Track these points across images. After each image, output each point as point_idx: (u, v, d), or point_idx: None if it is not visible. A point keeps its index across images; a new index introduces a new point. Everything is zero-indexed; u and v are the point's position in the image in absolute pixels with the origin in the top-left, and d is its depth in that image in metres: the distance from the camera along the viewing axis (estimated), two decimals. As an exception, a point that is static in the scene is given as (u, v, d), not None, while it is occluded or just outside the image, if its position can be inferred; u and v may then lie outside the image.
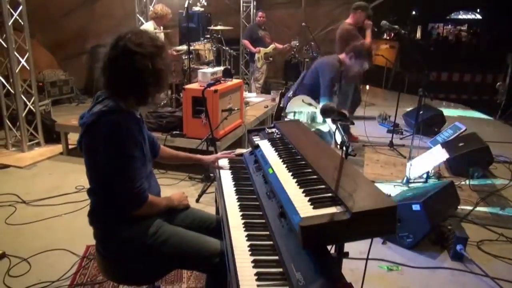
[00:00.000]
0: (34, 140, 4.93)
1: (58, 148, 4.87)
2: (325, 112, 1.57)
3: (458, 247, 2.75)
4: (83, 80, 8.11)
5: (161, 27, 5.52)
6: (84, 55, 7.99)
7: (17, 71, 4.57)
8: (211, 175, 3.93)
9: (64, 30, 7.08)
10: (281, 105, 5.58)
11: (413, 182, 3.94)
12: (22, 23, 4.58)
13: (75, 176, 4.08)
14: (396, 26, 4.65)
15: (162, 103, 5.31)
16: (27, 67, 4.71)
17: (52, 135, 5.03)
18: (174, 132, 4.23)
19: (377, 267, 2.71)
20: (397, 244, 2.95)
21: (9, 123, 4.81)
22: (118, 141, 1.54)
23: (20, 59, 4.62)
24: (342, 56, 3.91)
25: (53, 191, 3.76)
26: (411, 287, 2.56)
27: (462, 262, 2.76)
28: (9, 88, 4.69)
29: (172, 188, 3.85)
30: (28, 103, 4.78)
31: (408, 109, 6.20)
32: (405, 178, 3.94)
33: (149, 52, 1.57)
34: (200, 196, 3.63)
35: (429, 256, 2.85)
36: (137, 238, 1.66)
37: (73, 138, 4.97)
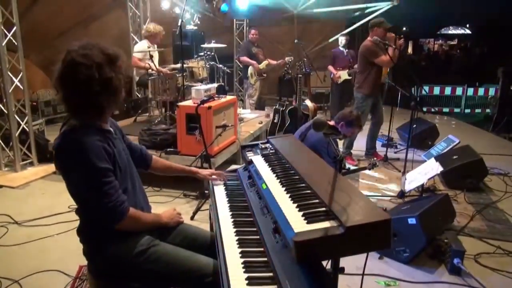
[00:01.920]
0: (27, 159, 4.90)
1: (51, 167, 4.83)
2: (316, 126, 1.57)
3: (455, 260, 2.73)
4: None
5: (155, 46, 5.56)
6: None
7: (10, 91, 4.56)
8: (206, 191, 3.91)
9: (58, 50, 7.03)
10: (275, 121, 5.61)
11: (408, 196, 3.94)
12: (16, 43, 4.59)
13: (68, 195, 3.98)
14: (388, 42, 4.70)
15: (156, 121, 5.31)
16: (21, 87, 4.70)
17: (45, 154, 5.00)
18: (169, 149, 4.21)
19: (374, 282, 2.68)
20: (394, 259, 2.92)
21: (2, 143, 4.79)
22: (83, 157, 1.52)
23: (14, 79, 4.62)
24: (332, 122, 3.75)
25: (46, 211, 3.71)
26: (409, 302, 2.54)
27: (460, 276, 2.73)
28: (2, 108, 4.67)
29: (166, 205, 3.81)
30: (21, 122, 4.76)
31: (402, 123, 6.24)
32: (400, 192, 3.94)
33: (95, 62, 1.53)
34: (194, 213, 3.60)
35: (426, 270, 2.82)
36: (125, 256, 1.64)
37: (67, 157, 4.94)
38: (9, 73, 4.56)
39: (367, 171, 4.44)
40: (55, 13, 6.50)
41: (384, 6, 8.17)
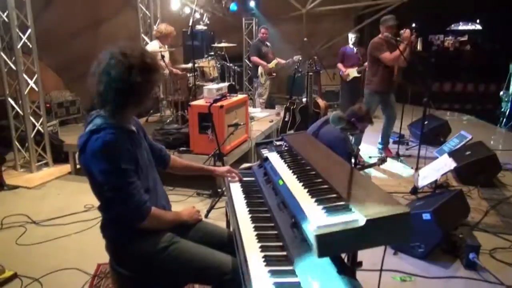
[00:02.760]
0: (42, 160, 4.97)
1: (66, 168, 4.91)
2: (335, 121, 1.58)
3: (471, 255, 2.73)
4: (90, 100, 8.18)
5: (166, 46, 5.60)
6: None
7: (26, 92, 4.64)
8: (219, 190, 3.94)
9: (70, 52, 7.20)
10: (286, 119, 5.62)
11: (421, 192, 3.93)
12: (30, 46, 4.67)
13: (84, 195, 4.09)
14: (399, 38, 4.70)
15: (168, 120, 5.36)
16: (36, 88, 4.78)
17: (60, 155, 5.07)
18: (181, 149, 4.26)
19: (390, 278, 2.69)
20: (409, 255, 2.93)
21: (17, 144, 4.87)
22: (107, 156, 1.56)
23: (29, 81, 4.69)
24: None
25: (63, 210, 3.78)
26: (425, 298, 2.54)
27: (475, 271, 2.73)
28: (18, 109, 4.76)
29: (180, 204, 3.85)
30: (36, 124, 4.84)
31: (413, 120, 6.21)
32: (413, 188, 3.93)
33: (129, 62, 1.57)
34: (208, 211, 3.63)
35: (442, 265, 2.83)
36: (147, 252, 1.67)
37: (81, 157, 5.01)
38: (24, 75, 4.63)
39: (379, 167, 4.45)
40: (67, 16, 6.58)
41: (394, 3, 8.13)
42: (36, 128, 4.85)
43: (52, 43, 6.54)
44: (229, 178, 2.22)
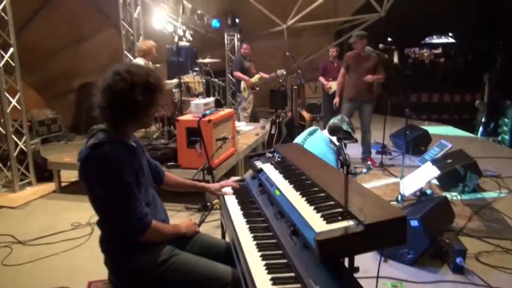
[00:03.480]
0: (25, 179, 4.87)
1: (50, 186, 4.83)
2: (332, 131, 1.64)
3: (458, 259, 2.81)
4: (71, 118, 8.13)
5: (150, 63, 5.61)
6: (71, 94, 8.04)
7: (8, 111, 4.57)
8: (208, 204, 3.94)
9: (51, 70, 7.14)
10: (272, 132, 5.69)
11: (406, 200, 4.02)
12: (13, 65, 4.62)
13: (70, 213, 4.04)
14: (379, 52, 4.87)
15: (155, 136, 5.35)
16: (19, 107, 4.71)
17: (43, 173, 4.99)
18: (169, 164, 4.26)
19: (381, 284, 2.73)
20: (398, 261, 2.99)
21: (-1, 164, 4.78)
22: (109, 170, 1.58)
23: (11, 99, 4.63)
24: (325, 131, 3.91)
25: (49, 229, 3.70)
26: (417, 303, 2.60)
27: (463, 275, 2.81)
28: (0, 128, 4.67)
29: (170, 219, 3.82)
30: (19, 142, 4.76)
31: (393, 131, 6.37)
32: (399, 196, 4.02)
33: (133, 80, 1.60)
34: (199, 225, 3.62)
35: (430, 270, 2.89)
36: (148, 266, 1.68)
37: (65, 175, 4.93)
38: (6, 93, 4.57)
39: (364, 176, 4.56)
40: (48, 34, 6.55)
41: (371, 18, 8.39)
42: (19, 147, 4.77)
43: (33, 61, 6.48)
44: (223, 192, 2.24)
